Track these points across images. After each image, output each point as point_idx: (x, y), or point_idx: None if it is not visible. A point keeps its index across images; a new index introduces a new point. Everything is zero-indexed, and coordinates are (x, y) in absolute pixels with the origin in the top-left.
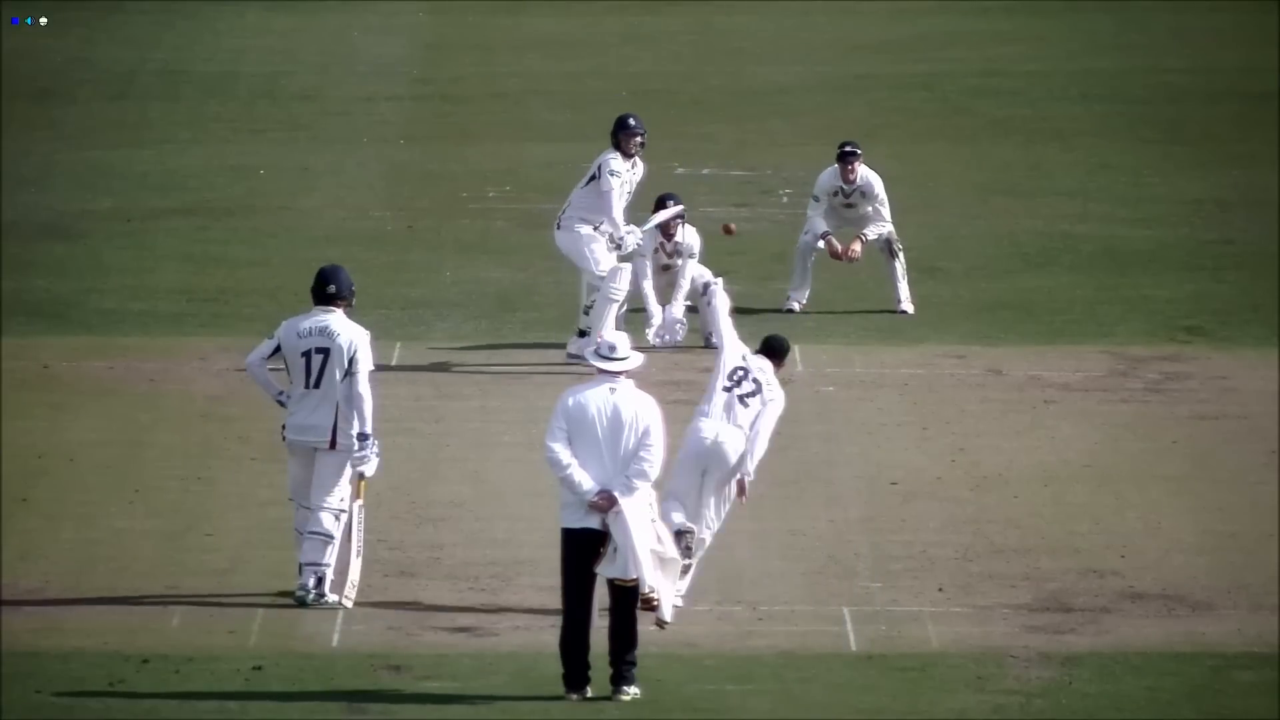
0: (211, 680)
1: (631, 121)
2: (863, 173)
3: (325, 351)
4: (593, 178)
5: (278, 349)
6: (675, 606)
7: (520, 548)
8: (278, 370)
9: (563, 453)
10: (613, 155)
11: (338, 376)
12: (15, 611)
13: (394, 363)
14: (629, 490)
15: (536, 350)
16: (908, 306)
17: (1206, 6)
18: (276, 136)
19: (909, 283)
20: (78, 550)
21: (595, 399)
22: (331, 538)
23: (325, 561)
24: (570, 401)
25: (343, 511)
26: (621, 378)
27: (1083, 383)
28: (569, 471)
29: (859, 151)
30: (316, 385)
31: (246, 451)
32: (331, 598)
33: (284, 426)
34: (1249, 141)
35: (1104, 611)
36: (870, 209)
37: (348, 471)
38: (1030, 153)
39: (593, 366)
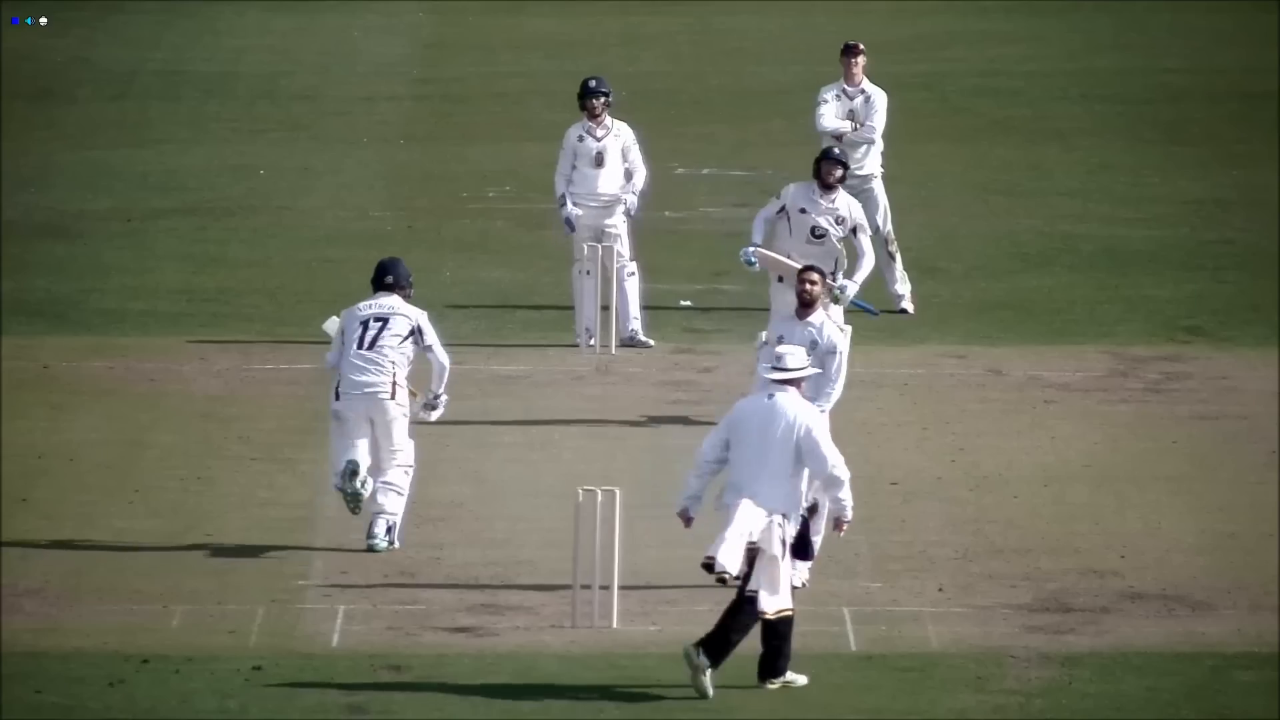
0: (211, 680)
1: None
2: (871, 89)
3: (384, 320)
4: None
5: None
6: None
7: (520, 548)
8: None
9: (707, 452)
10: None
11: (393, 342)
12: (15, 611)
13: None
14: (831, 501)
15: (536, 350)
16: (908, 306)
17: (1206, 6)
18: (276, 136)
19: (909, 281)
20: (78, 550)
21: (753, 405)
22: (403, 492)
23: (397, 511)
24: (735, 408)
25: (411, 467)
26: (787, 387)
27: (1083, 383)
28: (691, 471)
29: (862, 46)
30: (371, 347)
31: (246, 451)
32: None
33: (335, 394)
34: (1249, 141)
35: (1104, 611)
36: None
37: (408, 429)
38: (1030, 153)
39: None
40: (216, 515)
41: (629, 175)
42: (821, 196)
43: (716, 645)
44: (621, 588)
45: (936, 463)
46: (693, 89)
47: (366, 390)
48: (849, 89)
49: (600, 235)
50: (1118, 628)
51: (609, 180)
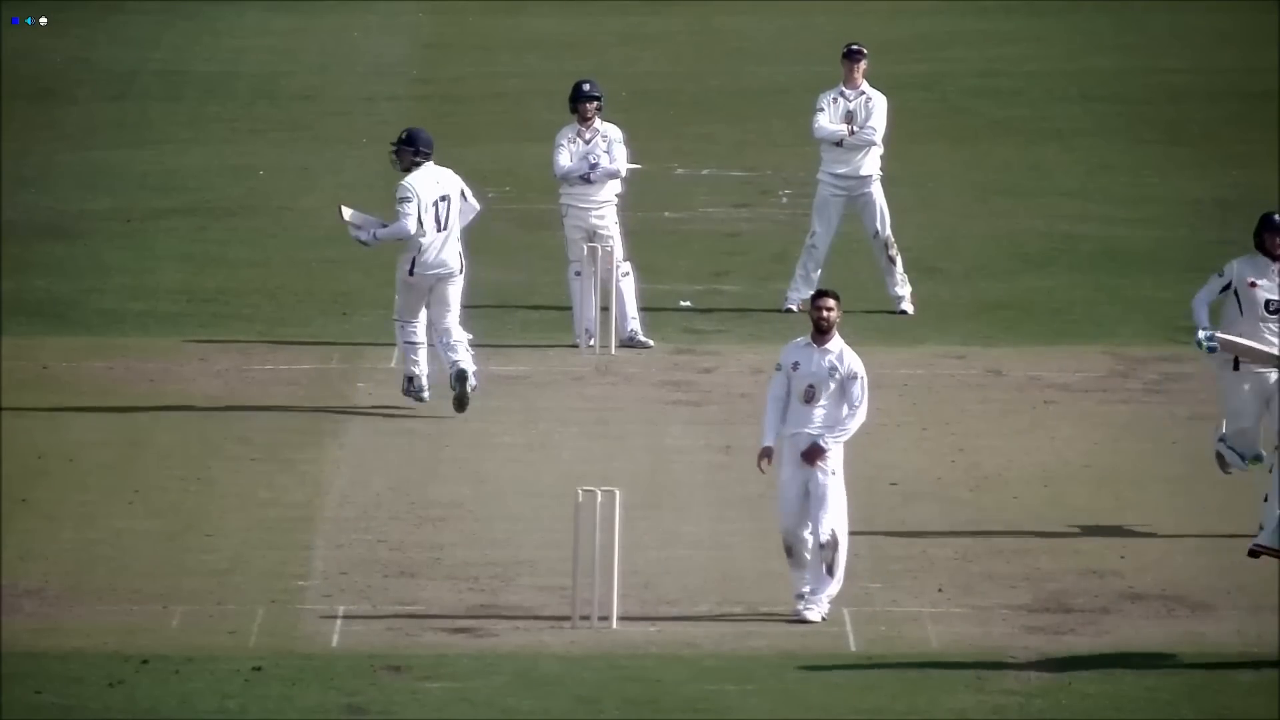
0: (211, 680)
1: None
2: (871, 91)
3: (447, 198)
4: None
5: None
6: None
7: (520, 548)
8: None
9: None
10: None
11: (457, 215)
12: (15, 611)
13: (394, 363)
14: None
15: (536, 350)
16: (908, 306)
17: (1206, 6)
18: (276, 136)
19: (909, 282)
20: (78, 550)
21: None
22: (466, 344)
23: (468, 358)
24: None
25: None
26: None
27: (1082, 383)
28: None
29: (865, 51)
30: (445, 228)
31: (246, 451)
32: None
33: (411, 265)
34: (1249, 141)
35: (1104, 611)
36: (868, 125)
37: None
38: (1030, 153)
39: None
40: (216, 515)
41: (614, 174)
42: (1273, 266)
43: None
44: (621, 588)
45: (936, 463)
46: (693, 89)
47: (440, 272)
48: (848, 91)
49: (593, 236)
50: (1118, 628)
51: (599, 183)
